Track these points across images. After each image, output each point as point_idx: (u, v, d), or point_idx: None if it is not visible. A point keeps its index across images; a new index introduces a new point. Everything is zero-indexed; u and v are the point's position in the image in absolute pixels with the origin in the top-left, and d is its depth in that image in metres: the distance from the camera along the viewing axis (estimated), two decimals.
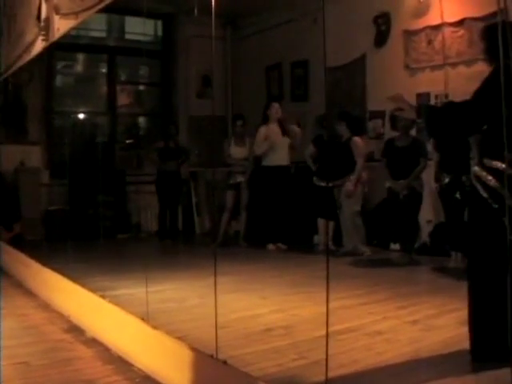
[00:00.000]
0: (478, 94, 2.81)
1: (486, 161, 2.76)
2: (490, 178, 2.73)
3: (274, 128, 7.00)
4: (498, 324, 2.58)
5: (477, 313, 2.80)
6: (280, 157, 6.97)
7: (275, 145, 6.95)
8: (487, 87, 2.77)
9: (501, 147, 2.49)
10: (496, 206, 2.69)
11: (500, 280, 2.44)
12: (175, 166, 7.89)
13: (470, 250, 2.97)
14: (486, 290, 2.74)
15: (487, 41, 2.93)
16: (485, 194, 2.75)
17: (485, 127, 2.83)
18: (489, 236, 2.75)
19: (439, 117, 3.09)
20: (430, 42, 6.46)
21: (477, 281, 2.82)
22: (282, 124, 7.06)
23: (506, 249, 2.29)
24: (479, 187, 2.79)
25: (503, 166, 2.63)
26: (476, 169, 2.84)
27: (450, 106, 3.21)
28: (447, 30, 6.25)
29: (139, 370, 3.11)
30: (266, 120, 7.03)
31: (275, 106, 7.08)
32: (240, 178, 7.25)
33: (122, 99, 9.58)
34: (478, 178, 2.80)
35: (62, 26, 4.86)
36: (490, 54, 2.87)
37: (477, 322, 2.79)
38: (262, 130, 7.02)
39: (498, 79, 2.46)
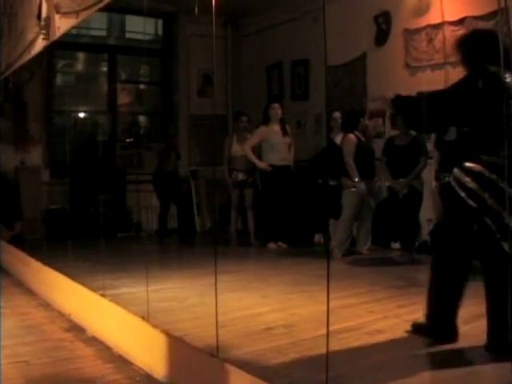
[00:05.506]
0: (451, 90, 3.01)
1: (466, 163, 2.93)
2: (467, 179, 2.91)
3: (274, 128, 6.98)
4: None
5: (439, 302, 3.05)
6: (280, 157, 6.96)
7: (275, 144, 6.94)
8: (460, 88, 2.97)
9: (479, 150, 2.85)
10: (475, 205, 2.88)
11: (465, 272, 2.96)
12: (174, 166, 7.89)
13: (440, 246, 3.18)
14: (451, 283, 3.00)
15: (464, 50, 3.13)
16: (463, 195, 2.92)
17: (465, 129, 2.99)
18: (465, 233, 2.96)
19: (412, 107, 3.22)
20: (430, 41, 6.45)
21: (442, 274, 3.05)
22: (283, 124, 7.05)
23: (481, 244, 2.85)
24: (458, 188, 2.95)
25: (480, 168, 2.86)
26: (456, 171, 2.99)
27: (422, 97, 3.29)
28: (448, 29, 6.24)
29: (140, 368, 3.12)
30: (266, 121, 7.01)
31: (275, 106, 7.01)
32: (242, 177, 7.23)
33: (123, 98, 9.58)
34: (457, 180, 2.96)
35: (62, 24, 4.87)
36: (467, 62, 3.07)
37: (437, 310, 3.05)
38: (262, 128, 7.01)
39: (471, 85, 2.87)
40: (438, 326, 3.05)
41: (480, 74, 2.90)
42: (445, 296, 3.04)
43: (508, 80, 2.87)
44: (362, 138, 6.29)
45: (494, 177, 2.84)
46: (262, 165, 6.93)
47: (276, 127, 6.98)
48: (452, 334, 3.01)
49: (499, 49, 2.76)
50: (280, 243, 6.87)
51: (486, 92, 2.84)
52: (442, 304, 3.05)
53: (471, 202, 2.90)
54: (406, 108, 3.29)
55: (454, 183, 2.99)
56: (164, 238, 7.75)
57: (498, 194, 2.83)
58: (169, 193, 7.78)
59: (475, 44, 3.09)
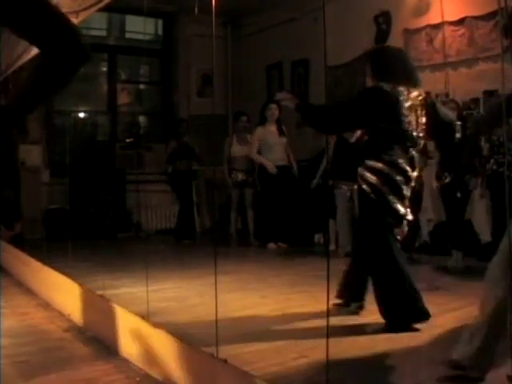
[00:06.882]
0: (350, 102, 3.50)
1: (368, 162, 3.35)
2: (369, 175, 3.32)
3: (270, 128, 7.00)
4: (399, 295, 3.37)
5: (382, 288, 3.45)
6: (277, 157, 6.96)
7: (272, 145, 6.95)
8: (361, 100, 3.40)
9: (380, 151, 3.31)
10: (375, 198, 3.31)
11: (384, 257, 3.39)
12: (187, 165, 7.84)
13: (357, 237, 3.66)
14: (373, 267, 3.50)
15: (370, 64, 3.48)
16: (367, 189, 3.33)
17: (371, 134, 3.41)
18: (373, 224, 3.37)
19: (315, 114, 3.57)
20: (430, 41, 6.46)
21: (366, 262, 3.55)
22: (279, 124, 7.06)
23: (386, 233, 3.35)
24: (363, 184, 3.36)
25: (380, 165, 3.30)
26: (360, 169, 3.39)
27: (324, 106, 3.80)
28: (447, 29, 6.25)
29: (140, 368, 3.11)
30: (263, 121, 7.03)
31: (272, 107, 7.02)
32: (242, 177, 7.23)
33: (123, 98, 9.58)
34: (362, 177, 3.36)
35: None
36: (373, 74, 3.43)
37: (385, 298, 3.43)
38: (258, 130, 7.03)
39: (372, 97, 3.32)
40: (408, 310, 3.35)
41: (375, 90, 3.32)
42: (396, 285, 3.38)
43: (402, 96, 3.31)
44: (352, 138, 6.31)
45: (391, 173, 3.28)
46: (270, 166, 6.92)
47: (272, 128, 7.01)
48: (424, 314, 3.33)
49: (401, 66, 3.36)
50: (280, 243, 6.87)
51: (380, 106, 3.28)
52: (400, 292, 3.36)
53: (373, 196, 3.31)
54: (310, 115, 3.55)
55: (359, 180, 3.39)
56: (181, 238, 7.68)
57: (394, 188, 3.29)
58: (185, 191, 7.74)
59: (379, 60, 3.44)
